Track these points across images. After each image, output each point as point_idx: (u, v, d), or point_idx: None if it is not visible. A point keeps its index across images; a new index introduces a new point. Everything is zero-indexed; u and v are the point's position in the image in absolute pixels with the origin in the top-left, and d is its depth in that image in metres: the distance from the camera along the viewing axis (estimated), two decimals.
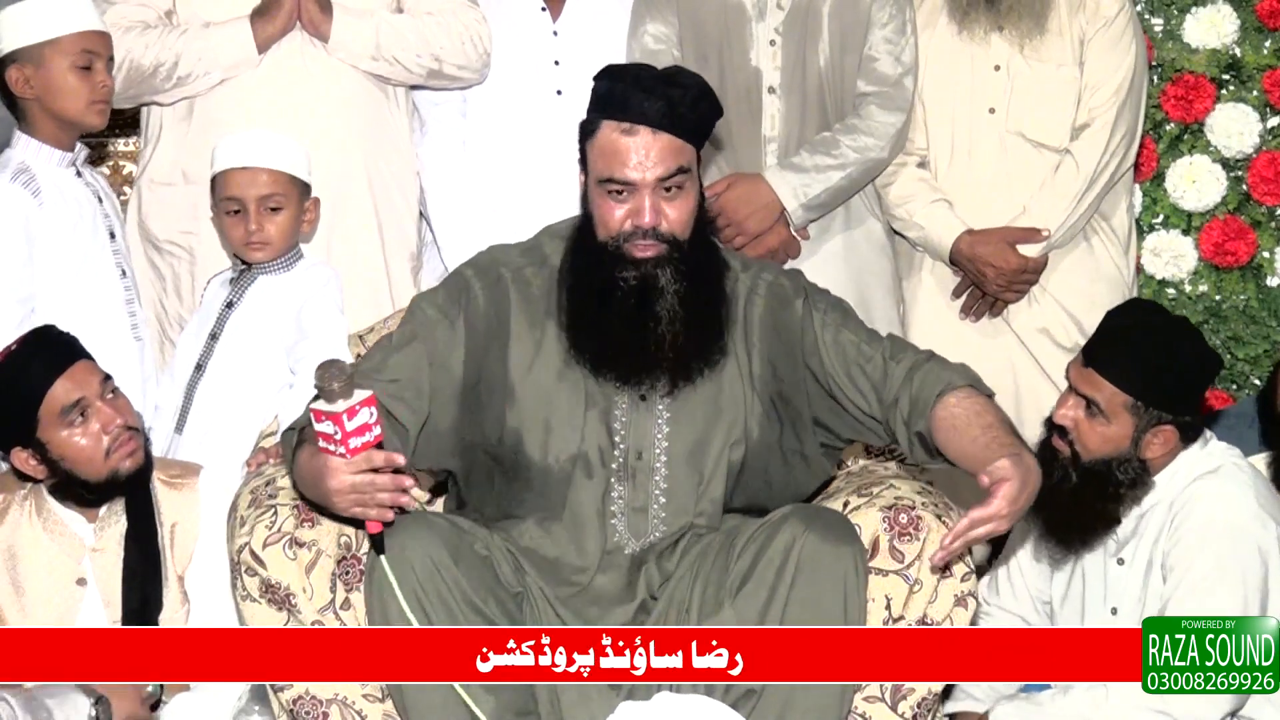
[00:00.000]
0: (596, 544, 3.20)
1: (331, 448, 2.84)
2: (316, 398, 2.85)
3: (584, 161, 3.16)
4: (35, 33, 3.63)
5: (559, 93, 4.05)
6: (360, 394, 2.84)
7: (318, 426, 2.85)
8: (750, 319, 3.24)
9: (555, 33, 4.08)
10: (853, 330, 3.22)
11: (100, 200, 3.79)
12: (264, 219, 3.65)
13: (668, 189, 3.09)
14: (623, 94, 3.09)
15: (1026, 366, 4.04)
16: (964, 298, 4.06)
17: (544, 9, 4.09)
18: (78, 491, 3.35)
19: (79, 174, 3.76)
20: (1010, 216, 3.99)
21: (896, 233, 4.13)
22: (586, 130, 3.14)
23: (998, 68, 4.00)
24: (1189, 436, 3.35)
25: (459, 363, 3.17)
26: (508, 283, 3.22)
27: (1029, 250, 3.97)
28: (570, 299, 3.19)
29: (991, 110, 4.01)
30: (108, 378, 3.35)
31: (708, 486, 3.23)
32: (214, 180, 3.70)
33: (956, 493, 3.43)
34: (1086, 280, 4.04)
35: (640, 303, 3.12)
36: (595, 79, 3.17)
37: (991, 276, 3.98)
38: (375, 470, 2.86)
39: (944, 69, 4.03)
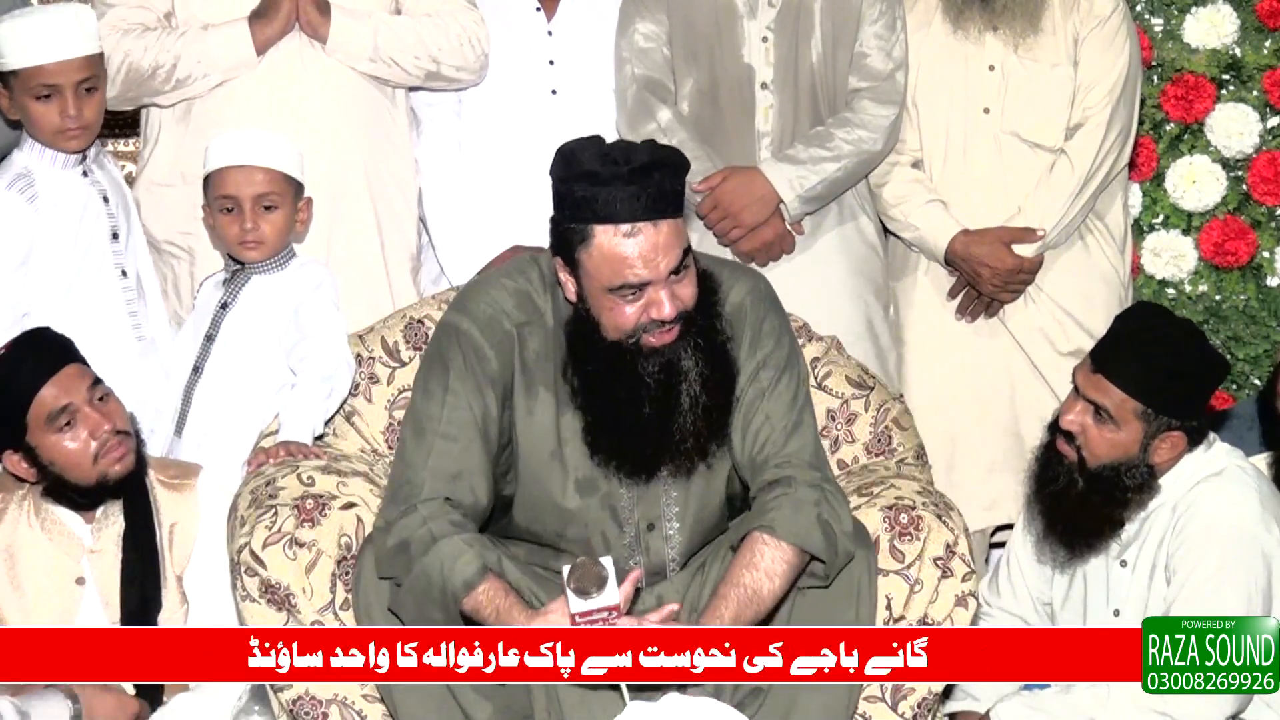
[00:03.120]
0: None
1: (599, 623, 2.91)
2: (574, 597, 2.88)
3: (572, 267, 3.02)
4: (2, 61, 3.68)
5: (554, 92, 4.06)
6: (613, 587, 2.90)
7: (584, 622, 2.89)
8: None
9: (550, 33, 4.08)
10: (774, 399, 3.14)
11: (106, 200, 3.79)
12: (259, 218, 3.64)
13: (676, 272, 3.00)
14: (609, 196, 2.93)
15: (1022, 367, 4.03)
16: (959, 298, 4.05)
17: (539, 9, 4.09)
18: (69, 495, 3.34)
19: (86, 174, 3.76)
20: (1005, 216, 3.98)
21: (890, 233, 4.13)
22: (575, 238, 2.99)
23: (992, 67, 4.00)
24: (1195, 440, 3.36)
25: (495, 433, 3.13)
26: (513, 339, 3.13)
27: (1024, 250, 3.96)
28: (586, 398, 3.09)
29: (986, 110, 4.00)
30: (98, 381, 3.34)
31: (716, 524, 3.24)
32: (207, 178, 3.68)
33: None
34: (1082, 280, 4.03)
35: (664, 394, 3.04)
36: (561, 179, 3.01)
37: (987, 276, 3.98)
38: None
39: (938, 69, 4.02)
